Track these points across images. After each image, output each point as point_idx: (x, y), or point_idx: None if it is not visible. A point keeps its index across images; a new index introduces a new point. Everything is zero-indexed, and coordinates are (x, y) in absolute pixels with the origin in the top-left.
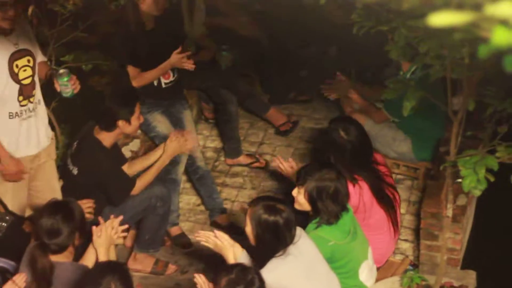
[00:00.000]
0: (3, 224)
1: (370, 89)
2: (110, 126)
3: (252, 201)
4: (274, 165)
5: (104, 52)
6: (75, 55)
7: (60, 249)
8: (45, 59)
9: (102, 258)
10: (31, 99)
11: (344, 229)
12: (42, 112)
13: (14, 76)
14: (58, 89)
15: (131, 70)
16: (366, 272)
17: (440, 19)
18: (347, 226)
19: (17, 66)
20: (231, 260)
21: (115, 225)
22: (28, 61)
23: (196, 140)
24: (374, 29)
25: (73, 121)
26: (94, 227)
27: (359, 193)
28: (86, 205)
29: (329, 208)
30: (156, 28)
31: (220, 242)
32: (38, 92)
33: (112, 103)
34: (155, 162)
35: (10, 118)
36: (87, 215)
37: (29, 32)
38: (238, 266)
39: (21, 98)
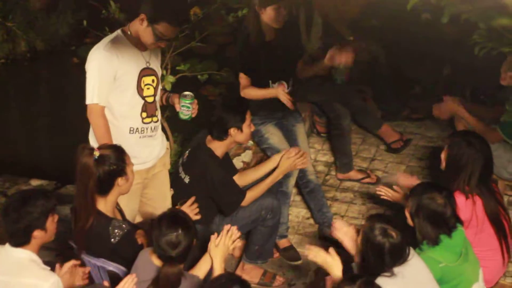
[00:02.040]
0: (119, 232)
1: (484, 109)
2: (221, 134)
3: (370, 216)
4: (380, 194)
5: (218, 62)
6: (190, 64)
7: (182, 260)
8: (161, 86)
9: (218, 267)
10: (154, 119)
11: (455, 251)
12: (160, 129)
13: (140, 91)
14: (178, 109)
15: (242, 78)
16: None
17: None
18: (459, 248)
19: (143, 82)
20: (337, 278)
21: (230, 234)
22: (153, 80)
23: (308, 153)
24: (496, 50)
25: (185, 130)
26: (212, 236)
27: (472, 208)
28: (192, 207)
29: (424, 228)
30: (275, 40)
31: (331, 259)
32: (159, 113)
33: (223, 112)
34: (267, 175)
35: (130, 133)
36: (194, 217)
37: (158, 54)
38: (363, 278)
39: (144, 114)
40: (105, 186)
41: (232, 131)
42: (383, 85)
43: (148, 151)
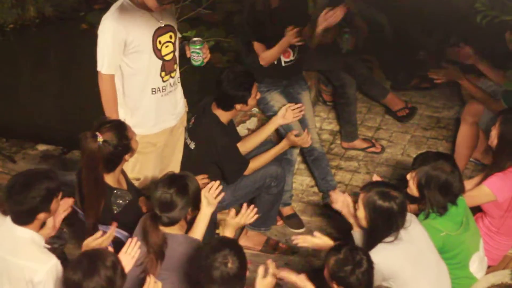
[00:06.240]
0: (122, 202)
1: (491, 69)
2: (227, 107)
3: (365, 186)
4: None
5: (226, 30)
6: (197, 31)
7: (172, 222)
8: (180, 35)
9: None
10: (172, 74)
11: (457, 220)
12: (180, 85)
13: (157, 52)
14: (188, 55)
15: (257, 46)
16: (476, 264)
17: None
18: (460, 217)
19: (160, 42)
20: None
21: (249, 213)
22: (170, 37)
23: (313, 121)
24: (498, 18)
25: (191, 95)
26: (231, 212)
27: None
28: (203, 181)
29: (435, 198)
30: (281, 6)
31: (319, 240)
32: (177, 67)
33: (229, 88)
34: (271, 145)
35: (152, 93)
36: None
37: (172, 7)
38: (347, 246)
39: (163, 73)
40: (112, 165)
41: (238, 106)
42: (390, 55)
43: (172, 106)
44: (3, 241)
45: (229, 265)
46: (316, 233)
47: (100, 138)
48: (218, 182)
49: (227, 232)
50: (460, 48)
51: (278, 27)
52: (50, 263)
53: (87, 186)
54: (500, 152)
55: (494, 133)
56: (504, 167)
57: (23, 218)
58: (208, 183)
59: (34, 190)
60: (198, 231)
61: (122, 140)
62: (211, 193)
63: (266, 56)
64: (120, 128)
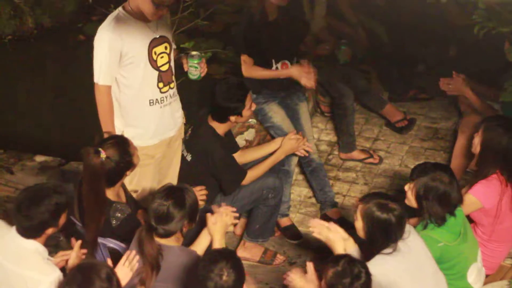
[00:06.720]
0: (120, 215)
1: (487, 88)
2: (222, 119)
3: (363, 197)
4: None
5: (224, 41)
6: (195, 43)
7: (167, 234)
8: (174, 46)
9: (218, 244)
10: (171, 85)
11: (455, 231)
12: (177, 96)
13: (152, 63)
14: (186, 69)
15: (245, 58)
16: (474, 275)
17: None
18: (458, 228)
19: (155, 53)
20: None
21: (229, 212)
22: (165, 47)
23: (311, 132)
24: (495, 30)
25: (189, 107)
26: (209, 215)
27: (501, 197)
28: (200, 192)
29: (433, 209)
30: (279, 19)
31: (333, 235)
32: (174, 77)
33: (222, 100)
34: (269, 155)
35: (150, 105)
36: (200, 202)
37: (167, 19)
38: (346, 258)
39: (161, 84)
40: (113, 180)
41: (232, 118)
42: (388, 66)
43: (171, 117)
44: (7, 251)
45: (224, 277)
46: (332, 225)
47: (103, 155)
48: (234, 209)
49: (216, 240)
50: (452, 78)
51: (275, 40)
52: (54, 275)
53: (88, 201)
54: (483, 159)
55: (477, 141)
56: (487, 174)
57: (31, 232)
58: (205, 194)
59: (44, 205)
60: (201, 246)
61: (125, 156)
62: (229, 218)
63: (255, 72)
64: (123, 145)
